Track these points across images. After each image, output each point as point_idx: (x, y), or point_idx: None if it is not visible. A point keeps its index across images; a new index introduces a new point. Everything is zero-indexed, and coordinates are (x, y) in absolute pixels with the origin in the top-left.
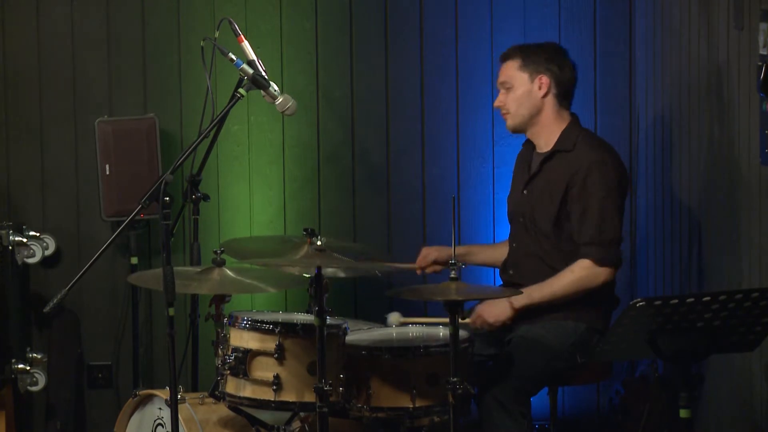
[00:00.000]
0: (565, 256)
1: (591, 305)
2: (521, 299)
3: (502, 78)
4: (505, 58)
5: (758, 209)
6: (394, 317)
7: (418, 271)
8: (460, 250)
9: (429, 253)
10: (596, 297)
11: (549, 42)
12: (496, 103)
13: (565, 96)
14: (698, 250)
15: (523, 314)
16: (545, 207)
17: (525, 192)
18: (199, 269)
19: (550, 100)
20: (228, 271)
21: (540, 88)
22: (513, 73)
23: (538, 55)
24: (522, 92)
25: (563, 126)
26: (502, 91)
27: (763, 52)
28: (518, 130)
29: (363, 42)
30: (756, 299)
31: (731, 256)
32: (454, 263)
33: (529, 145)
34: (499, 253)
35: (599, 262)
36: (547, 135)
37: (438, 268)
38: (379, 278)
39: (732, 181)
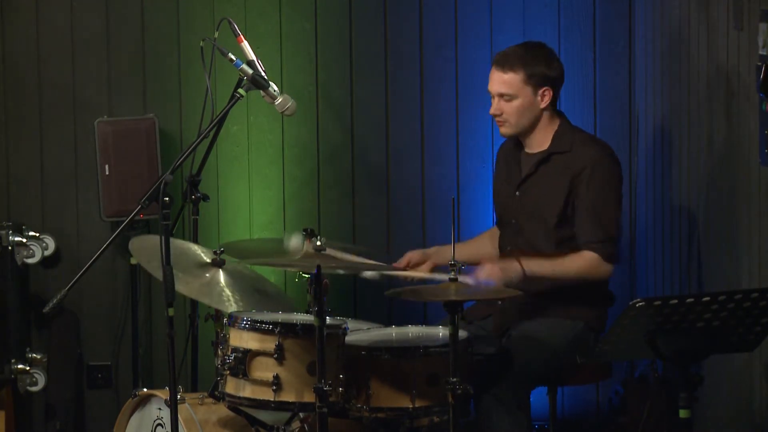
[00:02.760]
0: (570, 251)
1: (588, 304)
2: (533, 267)
3: (502, 89)
4: (506, 68)
5: (758, 209)
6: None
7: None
8: (432, 250)
9: (413, 258)
10: (593, 295)
11: (538, 44)
12: (493, 111)
13: (557, 98)
14: (698, 250)
15: (521, 311)
16: (545, 209)
17: (518, 194)
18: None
19: (548, 107)
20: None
21: (542, 100)
22: (517, 85)
23: (539, 65)
24: (524, 104)
25: (555, 127)
26: (500, 99)
27: (763, 52)
28: (514, 136)
29: (363, 42)
30: (755, 299)
31: (731, 257)
32: (455, 263)
33: (511, 144)
34: (474, 248)
35: (606, 258)
36: (539, 137)
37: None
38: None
39: (732, 181)
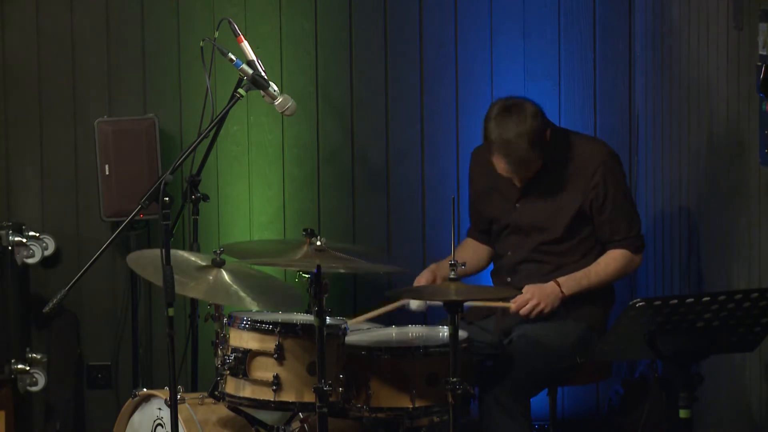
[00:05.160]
0: (582, 255)
1: (591, 305)
2: (571, 286)
3: (514, 168)
4: (528, 162)
5: (758, 209)
6: (416, 303)
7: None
8: (432, 269)
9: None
10: (596, 296)
11: (525, 108)
12: (507, 175)
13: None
14: (698, 251)
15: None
16: (555, 213)
17: (518, 205)
18: (199, 258)
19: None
20: (225, 276)
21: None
22: (535, 159)
23: (533, 140)
24: (536, 166)
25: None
26: (511, 166)
27: (762, 52)
28: None
29: (363, 42)
30: (755, 299)
31: (731, 257)
32: (454, 264)
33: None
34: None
35: (635, 251)
36: None
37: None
38: (379, 278)
39: (732, 181)
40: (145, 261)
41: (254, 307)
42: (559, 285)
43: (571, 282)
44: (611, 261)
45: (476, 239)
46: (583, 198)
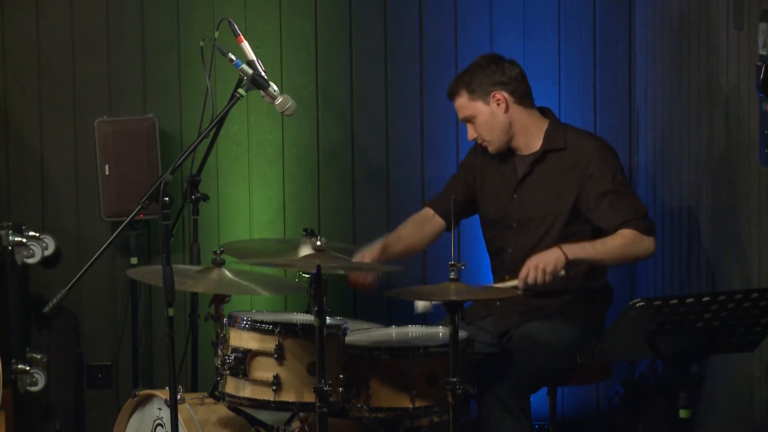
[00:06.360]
0: None
1: (589, 305)
2: (575, 250)
3: (460, 114)
4: (452, 95)
5: (758, 209)
6: (421, 304)
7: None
8: (378, 247)
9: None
10: (593, 296)
11: (480, 56)
12: (470, 137)
13: (524, 96)
14: (698, 251)
15: (521, 313)
16: (552, 207)
17: (516, 196)
18: (198, 268)
19: (515, 108)
20: (227, 272)
21: (499, 105)
22: (467, 105)
23: (478, 76)
24: (485, 118)
25: (544, 126)
26: (469, 124)
27: (762, 52)
28: (503, 150)
29: (363, 42)
30: (755, 299)
31: (731, 257)
32: (454, 264)
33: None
34: (408, 240)
35: (645, 232)
36: (527, 138)
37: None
38: (379, 278)
39: (732, 181)
40: (145, 271)
41: (261, 293)
42: (561, 248)
43: (575, 247)
44: (618, 236)
45: (437, 212)
46: (579, 190)
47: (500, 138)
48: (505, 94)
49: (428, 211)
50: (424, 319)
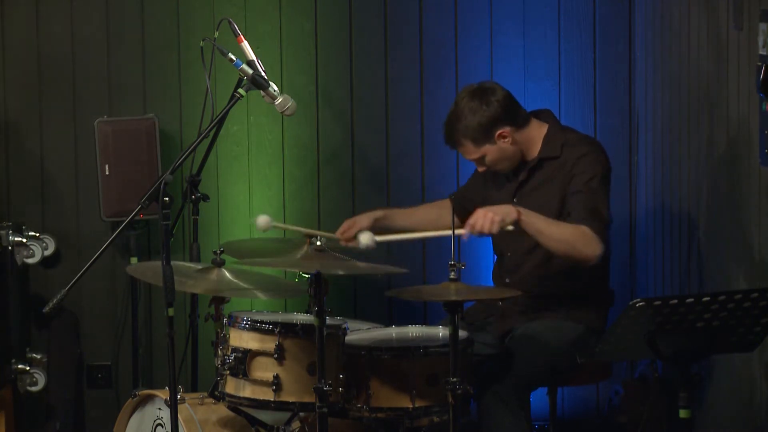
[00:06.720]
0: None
1: (589, 306)
2: (529, 216)
3: (468, 158)
4: (454, 146)
5: (758, 209)
6: (365, 237)
7: (342, 243)
8: (378, 214)
9: (352, 225)
10: (594, 296)
11: (464, 97)
12: (482, 171)
13: (520, 118)
14: (698, 251)
15: (522, 313)
16: (545, 212)
17: (515, 200)
18: (198, 267)
19: (518, 135)
20: (226, 273)
21: (505, 139)
22: (473, 151)
23: (475, 122)
24: (495, 156)
25: (543, 132)
26: (476, 162)
27: (763, 52)
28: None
29: (363, 42)
30: (755, 299)
31: (731, 257)
32: (454, 264)
33: None
34: (417, 218)
35: (597, 233)
36: (530, 146)
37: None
38: (378, 278)
39: (732, 181)
40: (144, 268)
41: (260, 296)
42: (517, 207)
43: (531, 214)
44: (574, 227)
45: (453, 205)
46: (563, 192)
47: (513, 164)
48: (507, 128)
49: (447, 202)
50: (424, 319)
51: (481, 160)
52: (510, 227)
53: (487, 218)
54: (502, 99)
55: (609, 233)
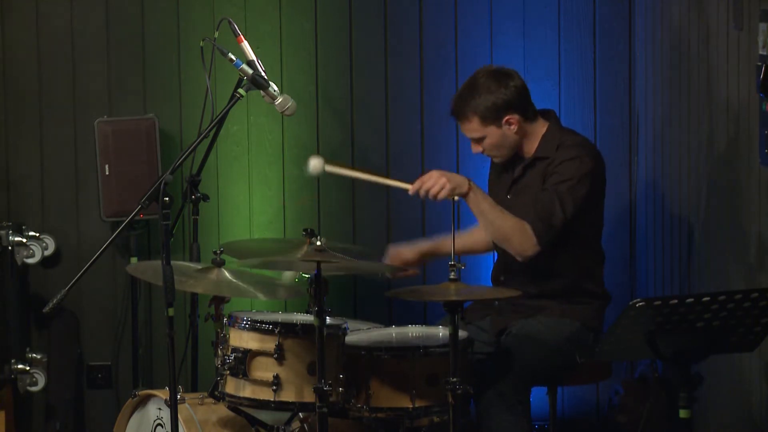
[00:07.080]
0: (561, 251)
1: (585, 304)
2: (479, 193)
3: (468, 135)
4: (460, 118)
5: (758, 209)
6: (315, 162)
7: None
8: (426, 248)
9: (400, 254)
10: (588, 295)
11: (483, 74)
12: (475, 152)
13: (530, 110)
14: (698, 251)
15: (517, 311)
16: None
17: (509, 197)
18: (198, 267)
19: (524, 126)
20: (226, 273)
21: (511, 126)
22: (477, 129)
23: (488, 100)
24: (496, 140)
25: (543, 130)
26: (474, 141)
27: (762, 52)
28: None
29: (363, 42)
30: (755, 299)
31: (731, 257)
32: (454, 264)
33: None
34: (469, 239)
35: (537, 239)
36: (529, 143)
37: (411, 271)
38: (379, 278)
39: (732, 181)
40: (145, 267)
41: (259, 297)
42: (471, 182)
43: (482, 193)
44: (517, 221)
45: None
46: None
47: (508, 154)
48: (517, 116)
49: None
50: (423, 319)
51: (479, 141)
52: (456, 198)
53: (439, 182)
54: (519, 86)
55: (554, 235)
